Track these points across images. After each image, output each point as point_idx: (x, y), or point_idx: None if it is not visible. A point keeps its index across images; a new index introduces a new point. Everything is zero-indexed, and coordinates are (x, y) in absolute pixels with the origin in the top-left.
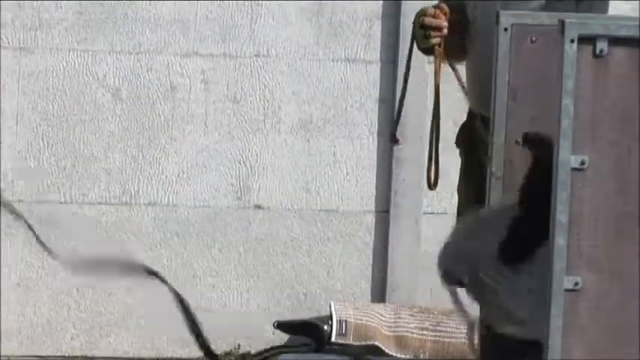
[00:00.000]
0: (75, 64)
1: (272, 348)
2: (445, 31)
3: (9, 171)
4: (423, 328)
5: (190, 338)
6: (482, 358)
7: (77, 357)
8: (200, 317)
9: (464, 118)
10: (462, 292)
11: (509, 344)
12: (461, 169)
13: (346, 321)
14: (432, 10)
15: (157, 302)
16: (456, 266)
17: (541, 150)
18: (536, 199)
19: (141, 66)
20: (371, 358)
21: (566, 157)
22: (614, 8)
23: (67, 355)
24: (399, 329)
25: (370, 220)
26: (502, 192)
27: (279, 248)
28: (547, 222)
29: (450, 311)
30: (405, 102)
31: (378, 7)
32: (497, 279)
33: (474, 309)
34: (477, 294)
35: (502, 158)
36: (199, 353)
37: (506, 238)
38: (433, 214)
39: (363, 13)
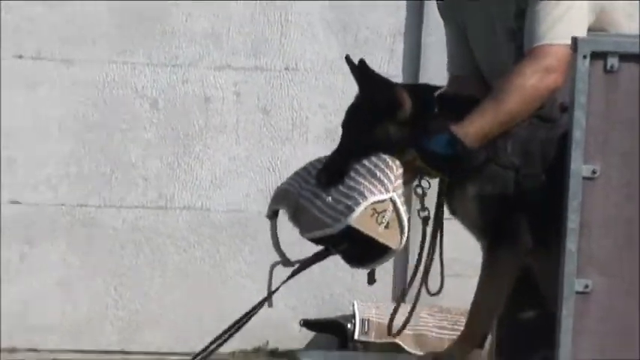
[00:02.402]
0: (115, 75)
1: None
2: None
3: (52, 176)
4: (441, 327)
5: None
6: (498, 347)
7: (114, 351)
8: (232, 316)
9: None
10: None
11: (524, 334)
12: None
13: (369, 320)
14: None
15: (189, 301)
16: (278, 203)
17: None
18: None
19: (177, 78)
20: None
21: (579, 167)
22: None
23: (104, 349)
24: (419, 328)
25: None
26: None
27: (307, 251)
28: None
29: (466, 311)
30: None
31: (400, 23)
32: (311, 199)
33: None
34: (294, 216)
35: None
36: (229, 348)
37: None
38: (452, 219)
39: (387, 29)
